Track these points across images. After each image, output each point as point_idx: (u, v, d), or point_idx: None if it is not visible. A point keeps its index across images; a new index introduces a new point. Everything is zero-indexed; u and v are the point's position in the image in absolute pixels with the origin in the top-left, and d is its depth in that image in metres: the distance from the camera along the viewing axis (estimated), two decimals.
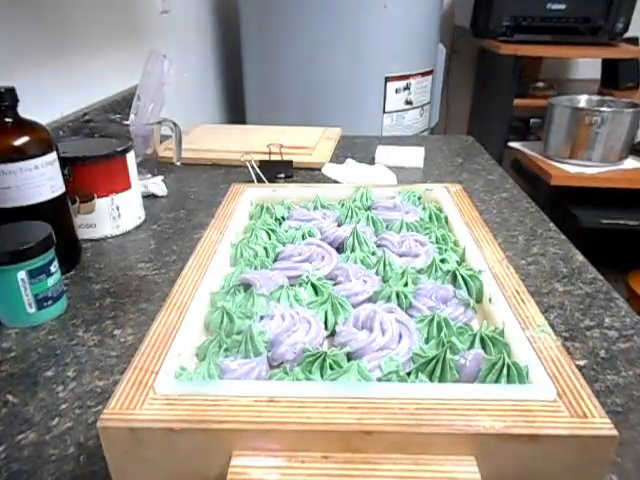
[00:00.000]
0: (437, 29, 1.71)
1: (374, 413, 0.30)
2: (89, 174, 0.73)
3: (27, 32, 0.88)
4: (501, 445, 0.29)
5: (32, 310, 0.56)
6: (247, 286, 0.45)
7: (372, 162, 1.06)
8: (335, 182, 0.96)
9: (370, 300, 0.45)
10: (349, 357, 0.38)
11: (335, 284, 0.46)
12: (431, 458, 0.30)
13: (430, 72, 1.69)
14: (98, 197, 0.74)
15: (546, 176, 1.72)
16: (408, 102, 1.63)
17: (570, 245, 0.74)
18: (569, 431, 0.29)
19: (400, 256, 0.51)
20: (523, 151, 1.89)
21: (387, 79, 1.56)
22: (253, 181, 0.92)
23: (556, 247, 0.73)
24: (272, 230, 0.55)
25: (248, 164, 0.94)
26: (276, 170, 0.96)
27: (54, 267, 0.57)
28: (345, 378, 0.34)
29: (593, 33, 2.01)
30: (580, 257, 0.71)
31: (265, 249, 0.51)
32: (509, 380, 0.34)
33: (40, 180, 0.61)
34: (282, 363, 0.38)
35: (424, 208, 0.60)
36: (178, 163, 0.98)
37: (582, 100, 1.80)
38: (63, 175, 0.65)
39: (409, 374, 0.36)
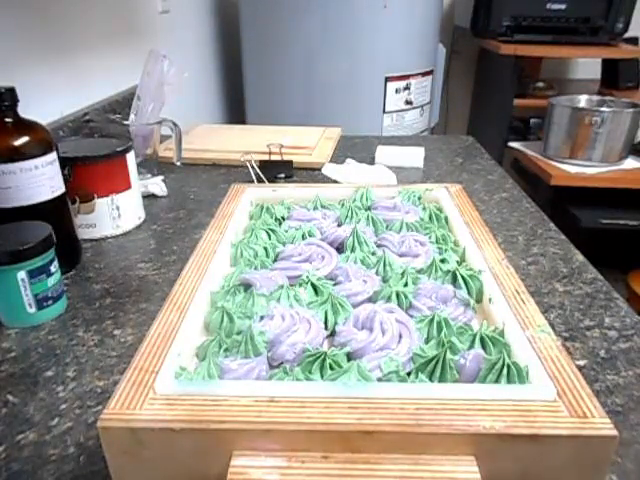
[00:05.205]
0: (437, 29, 1.71)
1: (374, 413, 0.30)
2: (89, 174, 0.73)
3: (27, 32, 0.88)
4: (501, 445, 0.29)
5: (32, 310, 0.56)
6: (247, 286, 0.45)
7: (372, 162, 1.06)
8: (335, 182, 0.96)
9: (370, 300, 0.45)
10: (349, 357, 0.38)
11: (335, 284, 0.46)
12: (431, 458, 0.30)
13: (430, 72, 1.69)
14: (98, 197, 0.74)
15: (546, 176, 1.72)
16: (408, 102, 1.63)
17: (570, 245, 0.74)
18: (569, 431, 0.29)
19: (400, 256, 0.51)
20: (523, 151, 1.89)
21: (387, 79, 1.56)
22: (253, 181, 0.92)
23: (556, 247, 0.73)
24: (272, 230, 0.55)
25: (248, 164, 0.94)
26: (276, 170, 0.96)
27: (54, 267, 0.57)
28: (345, 378, 0.34)
29: (593, 33, 2.01)
30: (580, 257, 0.71)
31: (265, 249, 0.51)
32: (509, 380, 0.34)
33: (40, 180, 0.61)
34: (282, 363, 0.38)
35: (424, 208, 0.60)
36: (178, 163, 0.98)
37: (582, 100, 1.80)
38: (63, 175, 0.65)
39: (409, 374, 0.36)
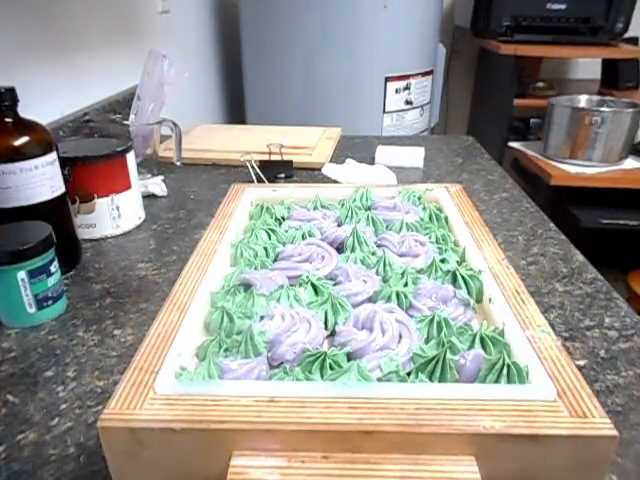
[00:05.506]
0: (437, 29, 1.71)
1: (374, 413, 0.30)
2: (89, 174, 0.73)
3: (27, 32, 0.88)
4: (501, 445, 0.29)
5: (32, 310, 0.56)
6: (247, 286, 0.45)
7: (372, 162, 1.06)
8: (335, 182, 0.96)
9: (370, 300, 0.45)
10: (349, 357, 0.38)
11: (335, 284, 0.46)
12: (431, 458, 0.30)
13: (430, 72, 1.69)
14: (98, 197, 0.74)
15: (546, 176, 1.72)
16: (408, 102, 1.63)
17: (570, 245, 0.74)
18: (569, 431, 0.29)
19: (400, 256, 0.51)
20: (523, 151, 1.89)
21: (387, 79, 1.56)
22: (253, 181, 0.92)
23: (556, 247, 0.73)
24: (272, 230, 0.55)
25: (248, 164, 0.94)
26: (276, 170, 0.97)
27: (54, 267, 0.57)
28: (345, 378, 0.34)
29: (593, 33, 2.01)
30: (580, 257, 0.71)
31: (265, 249, 0.51)
32: (509, 380, 0.34)
33: (40, 180, 0.61)
34: (282, 363, 0.38)
35: (424, 208, 0.60)
36: (178, 163, 0.98)
37: (582, 100, 1.80)
38: (63, 175, 0.65)
39: (409, 374, 0.36)
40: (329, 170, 1.00)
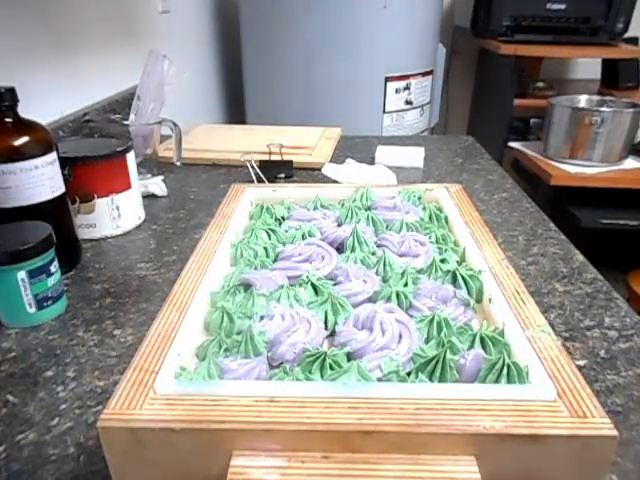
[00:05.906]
0: (437, 29, 1.71)
1: (374, 413, 0.30)
2: (89, 174, 0.73)
3: (27, 32, 0.88)
4: (501, 445, 0.29)
5: (32, 310, 0.56)
6: (247, 286, 0.45)
7: (372, 162, 1.06)
8: (335, 182, 0.96)
9: (370, 300, 0.45)
10: (349, 357, 0.38)
11: (335, 284, 0.46)
12: (431, 458, 0.30)
13: (430, 72, 1.69)
14: (98, 197, 0.74)
15: (546, 176, 1.72)
16: (408, 102, 1.63)
17: (570, 245, 0.74)
18: (569, 431, 0.29)
19: (400, 256, 0.51)
20: (523, 151, 1.89)
21: (387, 79, 1.56)
22: (253, 181, 0.92)
23: (556, 247, 0.73)
24: (272, 230, 0.55)
25: (248, 164, 0.94)
26: (276, 170, 0.97)
27: (54, 267, 0.57)
28: (345, 378, 0.34)
29: (593, 33, 2.01)
30: (580, 257, 0.71)
31: (265, 249, 0.51)
32: (509, 380, 0.34)
33: (40, 180, 0.61)
34: (282, 363, 0.38)
35: (424, 208, 0.60)
36: (178, 163, 0.98)
37: (582, 100, 1.80)
38: (63, 175, 0.65)
39: (409, 374, 0.36)
40: (329, 170, 1.00)
